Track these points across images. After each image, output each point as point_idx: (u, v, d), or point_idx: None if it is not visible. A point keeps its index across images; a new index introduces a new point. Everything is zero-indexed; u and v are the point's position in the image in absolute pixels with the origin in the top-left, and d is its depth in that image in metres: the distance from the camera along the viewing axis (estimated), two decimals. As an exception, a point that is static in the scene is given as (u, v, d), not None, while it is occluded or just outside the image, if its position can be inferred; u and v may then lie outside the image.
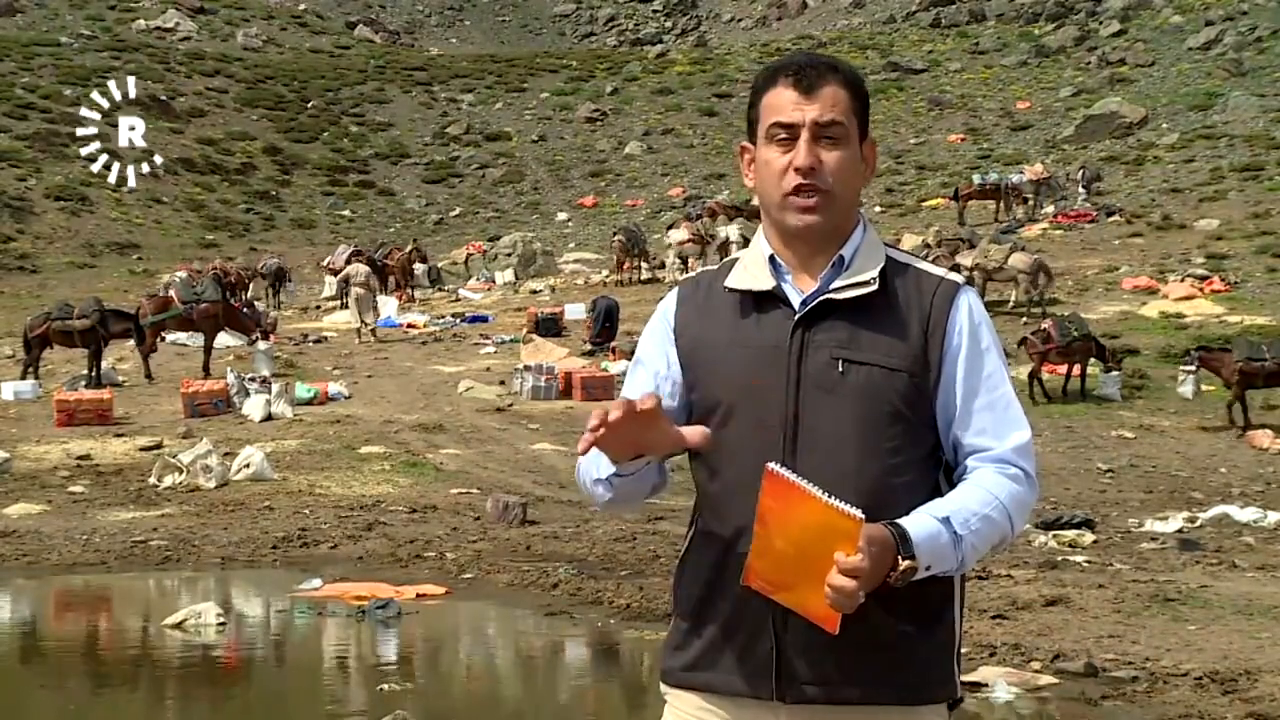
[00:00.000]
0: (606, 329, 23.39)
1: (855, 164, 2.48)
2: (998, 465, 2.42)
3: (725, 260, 2.65)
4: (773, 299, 2.49)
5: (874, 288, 2.44)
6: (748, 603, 2.40)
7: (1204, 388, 19.33)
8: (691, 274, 2.77)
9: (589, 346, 23.12)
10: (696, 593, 2.54)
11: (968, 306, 2.47)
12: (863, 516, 2.21)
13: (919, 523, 2.30)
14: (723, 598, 2.47)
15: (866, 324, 2.43)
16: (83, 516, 12.34)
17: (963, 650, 2.54)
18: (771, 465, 2.30)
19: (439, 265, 36.72)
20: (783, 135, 2.45)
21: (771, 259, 2.51)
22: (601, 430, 2.29)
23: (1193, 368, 19.12)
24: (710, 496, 2.52)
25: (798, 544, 2.27)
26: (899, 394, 2.41)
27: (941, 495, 2.40)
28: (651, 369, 2.58)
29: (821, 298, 2.45)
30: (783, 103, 2.45)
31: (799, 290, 2.48)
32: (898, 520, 2.29)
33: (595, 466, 2.48)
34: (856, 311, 2.44)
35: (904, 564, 2.25)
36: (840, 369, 2.41)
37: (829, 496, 2.23)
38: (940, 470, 2.47)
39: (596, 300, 24.61)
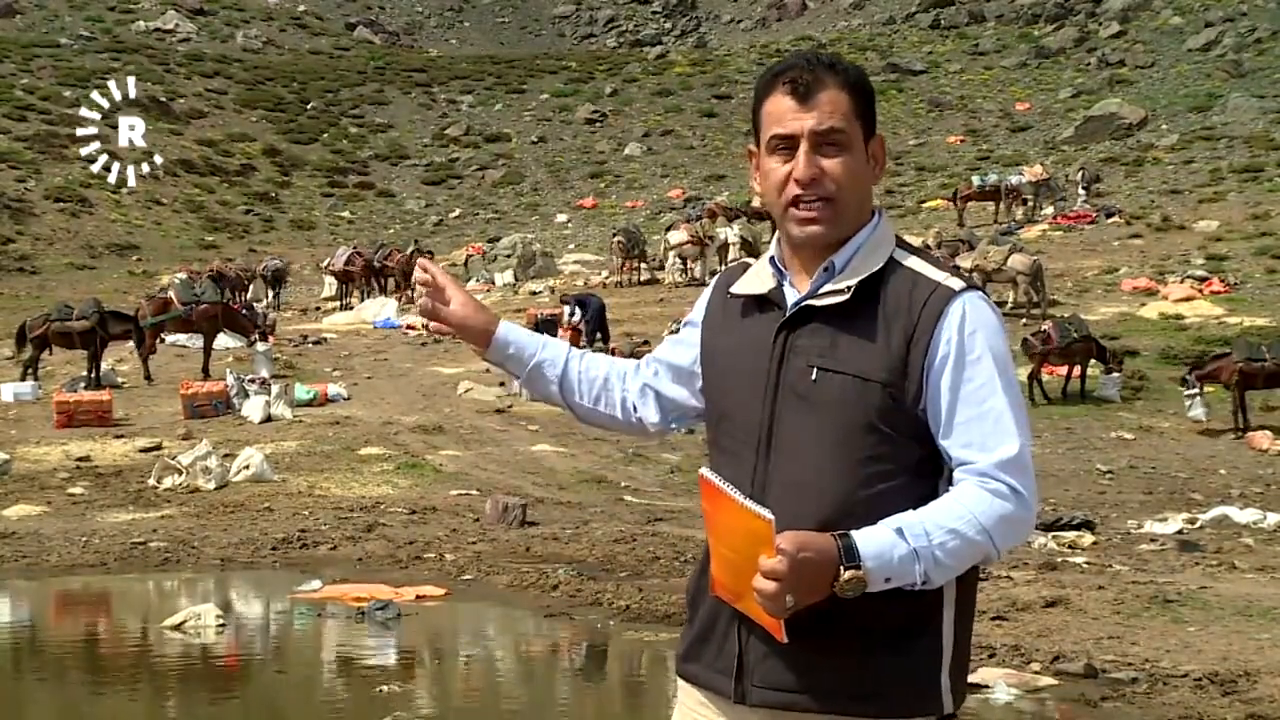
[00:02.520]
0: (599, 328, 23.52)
1: (860, 167, 2.45)
2: (979, 479, 2.34)
3: (763, 255, 2.67)
4: (770, 302, 2.49)
5: (846, 297, 2.40)
6: (722, 604, 2.43)
7: (1205, 390, 19.14)
8: (731, 264, 2.80)
9: (588, 349, 23.11)
10: (691, 589, 2.60)
11: (960, 315, 2.38)
12: (771, 517, 2.18)
13: (871, 534, 2.25)
14: (705, 597, 2.51)
15: (848, 331, 2.39)
16: (82, 518, 12.32)
17: (967, 661, 2.49)
18: (703, 470, 2.33)
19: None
20: (783, 146, 2.43)
21: (772, 260, 2.52)
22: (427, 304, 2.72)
23: (1195, 390, 18.61)
24: None
25: (735, 549, 2.29)
26: (873, 407, 2.36)
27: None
28: (689, 332, 2.71)
29: (804, 303, 2.44)
30: (781, 111, 2.43)
31: (796, 293, 2.48)
32: (850, 530, 2.26)
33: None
34: (842, 318, 2.40)
35: (847, 574, 2.21)
36: (814, 377, 2.38)
37: (743, 498, 2.23)
38: (942, 479, 2.41)
39: (586, 300, 24.54)
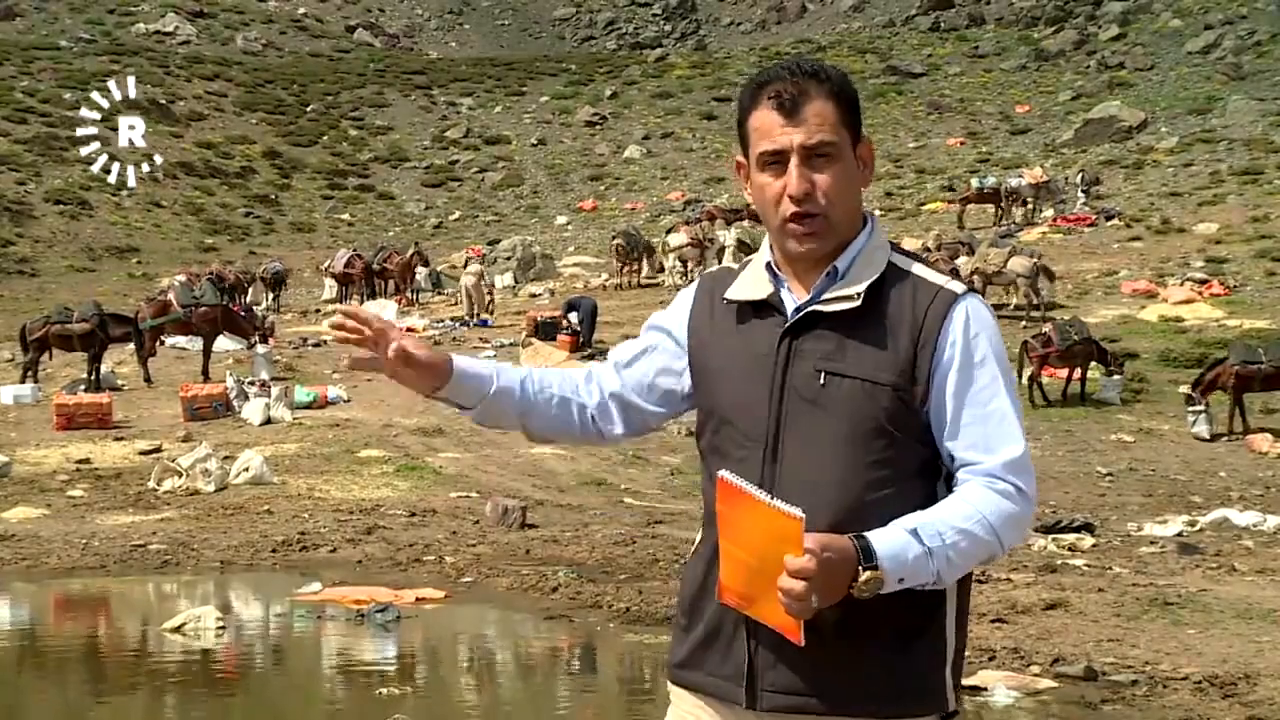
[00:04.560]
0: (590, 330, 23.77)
1: (850, 175, 2.46)
2: (986, 480, 2.37)
3: (744, 260, 2.65)
4: (768, 307, 2.49)
5: (858, 303, 2.41)
6: (728, 610, 2.42)
7: (1209, 399, 18.95)
8: (714, 269, 2.78)
9: (589, 350, 23.19)
10: (689, 594, 2.58)
11: (964, 318, 2.41)
12: (802, 515, 2.17)
13: (886, 534, 2.27)
14: (710, 600, 2.49)
15: (855, 335, 2.41)
16: (82, 520, 12.33)
17: (964, 660, 2.52)
18: (722, 472, 2.32)
19: (439, 269, 36.77)
20: (773, 161, 2.43)
21: (769, 266, 2.52)
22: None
23: (1200, 407, 18.33)
24: (707, 499, 2.55)
25: (753, 552, 2.27)
26: (883, 409, 2.38)
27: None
28: (659, 338, 2.65)
29: (810, 308, 2.44)
30: (769, 126, 2.43)
31: (795, 298, 2.48)
32: (865, 532, 2.27)
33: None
34: (846, 322, 2.41)
35: (866, 575, 2.22)
36: (822, 381, 2.39)
37: (770, 498, 2.22)
38: (940, 481, 2.44)
39: (578, 302, 24.69)
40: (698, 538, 2.64)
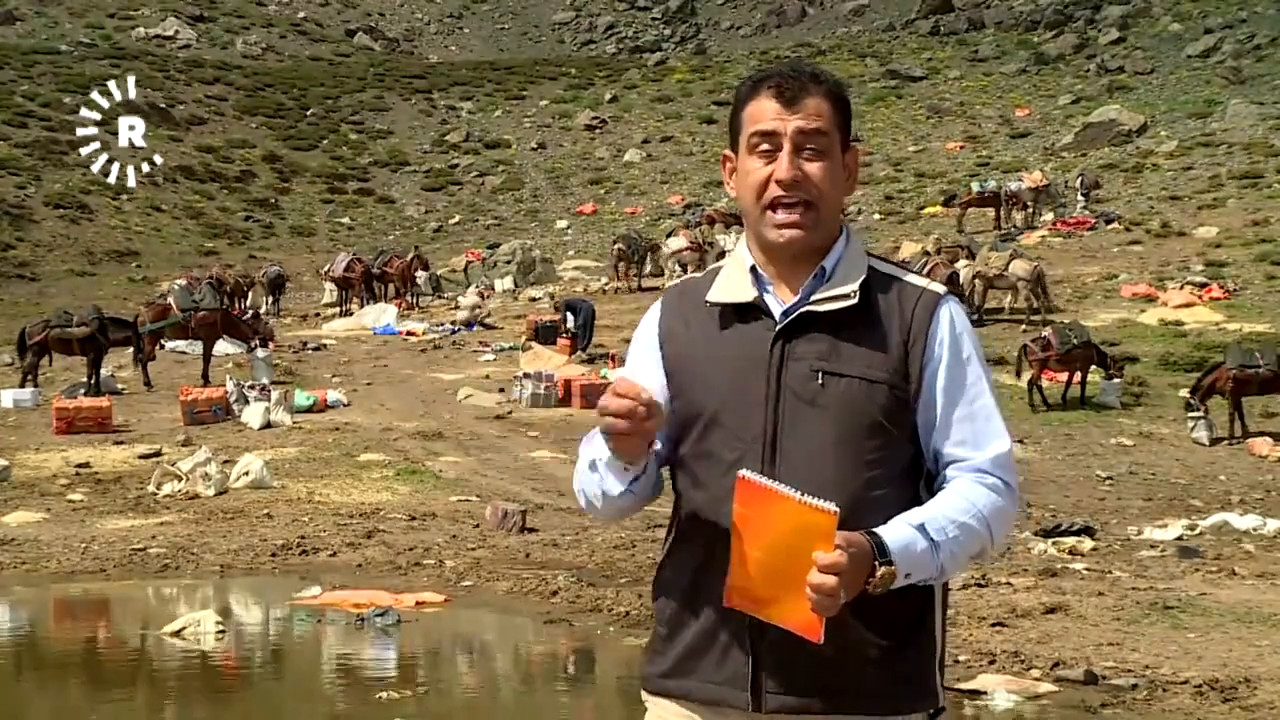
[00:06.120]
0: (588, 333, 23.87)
1: (838, 175, 2.48)
2: (976, 475, 2.41)
3: (710, 268, 2.65)
4: (754, 310, 2.49)
5: (854, 301, 2.43)
6: (725, 613, 2.41)
7: (1208, 405, 18.91)
8: (676, 282, 2.77)
9: (585, 355, 23.21)
10: (675, 601, 2.54)
11: (949, 317, 2.46)
12: (837, 510, 2.19)
13: (895, 530, 2.30)
14: (700, 607, 2.48)
15: (847, 336, 2.43)
16: (82, 524, 12.33)
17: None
18: (743, 472, 2.31)
19: (439, 273, 36.79)
20: (764, 145, 2.44)
21: (753, 269, 2.52)
22: (628, 424, 2.28)
23: (1200, 413, 18.27)
24: (692, 505, 2.53)
25: (776, 550, 2.26)
26: (879, 406, 2.41)
27: (921, 505, 2.40)
28: (643, 378, 2.54)
29: (802, 310, 2.45)
30: (764, 112, 2.45)
31: (780, 301, 2.48)
32: (874, 529, 2.29)
33: (602, 478, 2.47)
34: (837, 324, 2.43)
35: (881, 570, 2.24)
36: (820, 381, 2.41)
37: (801, 494, 2.22)
38: (921, 481, 2.47)
39: (577, 305, 24.70)
40: (664, 549, 2.60)
